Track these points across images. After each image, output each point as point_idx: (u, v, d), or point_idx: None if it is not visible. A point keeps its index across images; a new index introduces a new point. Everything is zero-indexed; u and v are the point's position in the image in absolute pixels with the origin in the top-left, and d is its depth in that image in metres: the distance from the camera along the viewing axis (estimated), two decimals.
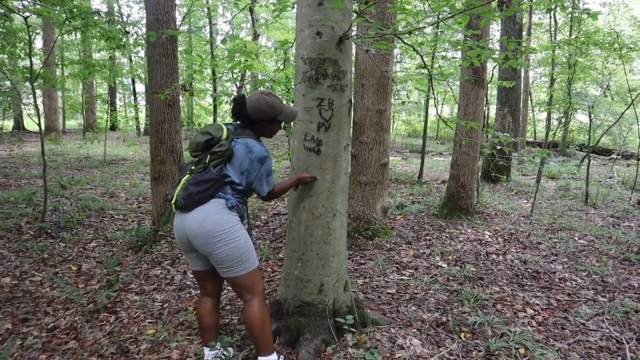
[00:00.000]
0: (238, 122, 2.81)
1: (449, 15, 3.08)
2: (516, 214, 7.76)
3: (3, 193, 8.34)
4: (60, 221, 6.53)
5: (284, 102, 2.94)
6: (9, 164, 12.29)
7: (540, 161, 10.00)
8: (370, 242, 5.65)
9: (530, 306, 4.11)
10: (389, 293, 4.22)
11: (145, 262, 5.01)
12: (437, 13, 3.53)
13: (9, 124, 25.86)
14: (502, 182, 11.21)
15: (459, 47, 4.33)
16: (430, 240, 6.00)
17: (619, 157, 17.75)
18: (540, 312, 4.01)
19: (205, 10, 20.73)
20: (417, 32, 4.37)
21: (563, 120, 18.46)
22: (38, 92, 26.13)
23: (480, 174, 10.50)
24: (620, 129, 18.85)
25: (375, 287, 4.37)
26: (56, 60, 18.22)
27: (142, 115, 25.65)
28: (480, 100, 6.97)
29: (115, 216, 7.21)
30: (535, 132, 26.35)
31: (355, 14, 3.53)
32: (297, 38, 3.02)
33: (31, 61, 5.73)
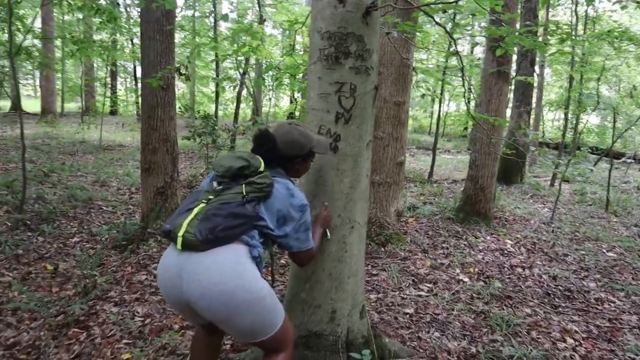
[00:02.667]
0: (266, 161, 2.19)
1: None
2: (536, 220, 7.19)
3: None
4: (42, 212, 5.96)
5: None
6: (1, 146, 11.72)
7: (556, 165, 9.45)
8: (383, 249, 5.09)
9: (569, 334, 3.55)
10: (407, 313, 3.66)
11: (130, 264, 4.44)
12: None
13: (6, 105, 25.22)
14: (516, 184, 10.65)
15: (484, 32, 3.75)
16: (447, 248, 5.43)
17: (632, 160, 17.17)
18: (582, 342, 3.45)
19: None
20: (442, 14, 3.80)
21: (574, 121, 17.85)
22: (36, 73, 25.54)
23: None
24: (632, 132, 18.24)
25: (390, 304, 3.81)
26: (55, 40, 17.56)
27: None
28: (504, 96, 6.39)
29: (104, 207, 6.65)
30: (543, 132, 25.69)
31: None
32: (314, 8, 2.44)
33: (10, 33, 5.13)
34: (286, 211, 2.06)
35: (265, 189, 2.00)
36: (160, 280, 1.98)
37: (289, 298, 2.66)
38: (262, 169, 2.07)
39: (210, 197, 2.01)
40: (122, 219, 6.05)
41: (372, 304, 3.79)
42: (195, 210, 1.96)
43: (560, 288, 4.51)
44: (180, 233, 1.89)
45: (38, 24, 19.45)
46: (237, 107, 10.96)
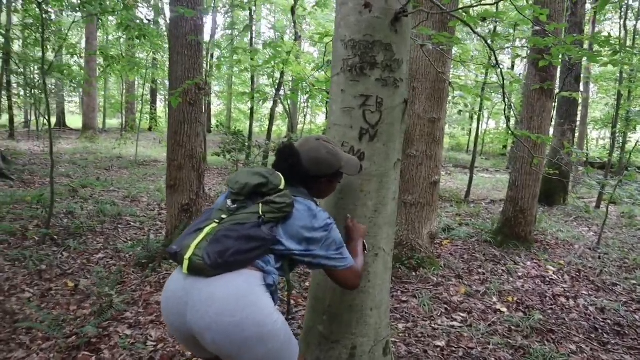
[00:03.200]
0: (288, 179, 1.98)
1: None
2: (580, 244, 6.74)
3: (22, 192, 7.89)
4: (70, 227, 5.94)
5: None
6: (40, 161, 12.00)
7: (602, 185, 8.95)
8: (414, 273, 4.80)
9: None
10: (438, 346, 3.37)
11: (150, 284, 4.31)
12: None
13: (52, 120, 26.04)
14: (559, 205, 10.14)
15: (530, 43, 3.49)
16: (484, 274, 5.09)
17: None
18: None
19: (246, 12, 20.31)
20: (481, 23, 3.55)
21: (620, 140, 17.06)
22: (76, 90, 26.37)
23: None
24: None
25: (420, 335, 3.53)
26: (97, 59, 18.07)
27: None
28: (547, 112, 6.04)
29: (132, 223, 6.60)
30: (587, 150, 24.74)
31: None
32: (338, 14, 2.25)
33: (43, 51, 5.16)
34: (308, 234, 1.84)
35: (285, 209, 1.80)
36: (163, 306, 1.80)
37: (305, 330, 2.44)
38: (282, 187, 1.87)
39: (224, 216, 1.82)
40: (149, 235, 5.97)
41: (400, 335, 3.52)
42: (206, 231, 1.77)
43: (609, 322, 4.12)
44: (187, 255, 1.70)
45: (83, 43, 20.10)
46: (271, 123, 10.87)
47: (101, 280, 4.36)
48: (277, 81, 10.38)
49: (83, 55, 16.31)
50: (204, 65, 4.95)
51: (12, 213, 6.41)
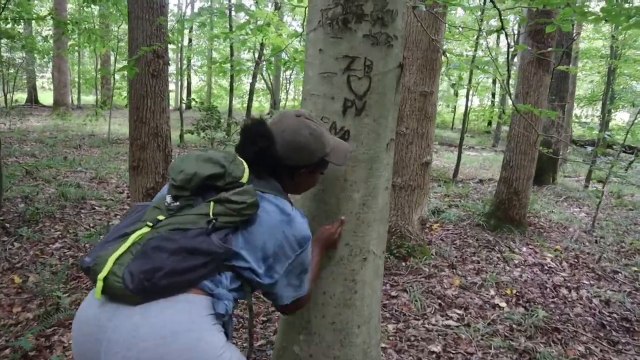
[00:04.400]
0: (255, 168, 1.49)
1: None
2: (575, 227, 6.40)
3: None
4: (26, 212, 5.39)
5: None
6: (5, 138, 11.29)
7: (592, 162, 8.65)
8: (404, 263, 4.37)
9: None
10: (433, 352, 2.95)
11: None
12: None
13: (23, 97, 24.97)
14: (548, 184, 9.82)
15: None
16: (478, 262, 4.70)
17: None
18: None
19: None
20: None
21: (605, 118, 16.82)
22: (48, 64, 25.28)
23: None
24: None
25: (412, 338, 3.11)
26: (69, 29, 17.09)
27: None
28: (544, 87, 5.60)
29: (97, 207, 6.06)
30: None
31: None
32: None
33: None
34: (276, 246, 1.37)
35: (245, 211, 1.31)
36: (73, 341, 1.30)
37: (277, 351, 1.98)
38: (245, 179, 1.39)
39: (160, 217, 1.33)
40: (114, 221, 5.46)
41: (390, 338, 3.10)
42: (132, 238, 1.27)
43: (616, 316, 3.76)
44: (102, 274, 1.21)
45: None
46: (250, 98, 10.33)
47: (54, 275, 3.86)
48: (257, 53, 9.80)
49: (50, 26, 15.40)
50: (168, 32, 4.37)
51: None
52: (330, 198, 1.76)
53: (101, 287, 1.21)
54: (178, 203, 1.34)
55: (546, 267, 4.73)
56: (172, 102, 23.84)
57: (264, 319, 3.25)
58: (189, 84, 26.11)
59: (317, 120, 1.56)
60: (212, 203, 1.31)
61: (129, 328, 1.18)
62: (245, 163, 1.42)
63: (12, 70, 21.28)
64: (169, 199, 1.35)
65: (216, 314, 1.27)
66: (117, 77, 18.21)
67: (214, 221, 1.28)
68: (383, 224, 1.89)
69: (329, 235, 1.73)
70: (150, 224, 1.31)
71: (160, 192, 1.50)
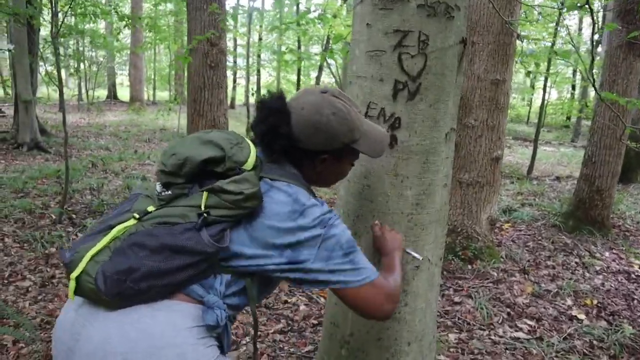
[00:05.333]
0: (268, 151, 1.28)
1: None
2: None
3: (56, 166, 7.60)
4: (92, 204, 5.53)
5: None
6: (83, 133, 11.87)
7: None
8: (470, 266, 4.04)
9: None
10: None
11: None
12: None
13: (104, 93, 26.36)
14: (635, 183, 8.97)
15: None
16: (553, 267, 4.27)
17: None
18: None
19: None
20: None
21: None
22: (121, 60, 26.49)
23: None
24: None
25: (476, 351, 2.81)
26: (144, 26, 17.61)
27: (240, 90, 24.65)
28: (634, 75, 5.02)
29: None
30: None
31: None
32: None
33: (53, 13, 4.64)
34: (288, 237, 1.13)
35: (243, 203, 1.10)
36: (53, 346, 1.17)
37: None
38: (250, 164, 1.17)
39: (150, 208, 1.15)
40: None
41: (451, 350, 2.82)
42: (114, 232, 1.11)
43: None
44: (75, 273, 1.06)
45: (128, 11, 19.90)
46: None
47: None
48: (324, 46, 9.63)
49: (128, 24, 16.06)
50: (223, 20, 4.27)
51: (37, 188, 6.08)
52: (377, 195, 1.53)
53: (73, 287, 1.06)
54: (170, 192, 1.16)
55: (633, 276, 4.22)
56: (241, 97, 24.28)
57: (315, 321, 3.06)
58: (258, 79, 26.48)
59: (349, 100, 1.30)
60: (205, 193, 1.12)
61: (101, 340, 1.03)
62: (252, 146, 1.21)
63: (94, 68, 22.56)
64: (158, 187, 1.17)
65: (206, 327, 1.09)
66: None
67: (205, 214, 1.09)
68: (440, 227, 1.64)
69: (394, 240, 1.44)
70: (137, 216, 1.13)
71: None
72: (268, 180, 1.20)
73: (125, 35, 20.80)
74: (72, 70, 17.93)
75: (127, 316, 1.04)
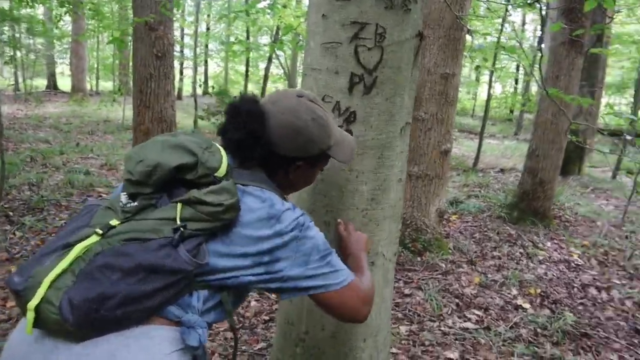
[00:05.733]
0: (244, 159, 1.23)
1: None
2: (603, 221, 6.04)
3: None
4: (31, 200, 5.24)
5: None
6: (20, 125, 11.24)
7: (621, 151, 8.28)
8: (419, 258, 4.11)
9: None
10: None
11: None
12: None
13: (43, 83, 25.08)
14: (574, 175, 9.42)
15: None
16: (499, 258, 4.41)
17: None
18: None
19: None
20: None
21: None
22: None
23: None
24: None
25: (427, 343, 2.86)
26: (87, 12, 16.71)
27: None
28: (576, 71, 5.23)
29: (104, 195, 5.89)
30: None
31: None
32: None
33: None
34: (265, 244, 1.07)
35: (222, 215, 1.03)
36: None
37: None
38: (222, 171, 1.10)
39: (113, 222, 1.04)
40: None
41: (403, 342, 2.85)
42: (75, 251, 0.98)
43: None
44: (33, 302, 0.93)
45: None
46: (265, 82, 10.07)
47: None
48: (273, 38, 9.54)
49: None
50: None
51: None
52: (331, 190, 1.50)
53: (32, 319, 0.93)
54: (136, 203, 1.05)
55: (573, 265, 4.42)
56: (188, 88, 23.70)
57: (266, 317, 3.02)
58: (205, 69, 25.95)
59: (323, 105, 1.27)
60: (179, 204, 1.03)
61: None
62: (223, 151, 1.15)
63: (32, 57, 21.39)
64: (124, 198, 1.06)
65: (186, 349, 1.01)
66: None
67: (182, 228, 1.00)
68: (395, 222, 1.63)
69: (360, 240, 1.41)
70: (100, 231, 1.02)
71: (117, 188, 1.18)
72: (240, 185, 1.13)
73: (67, 22, 19.87)
74: (6, 59, 16.94)
75: (96, 348, 0.94)
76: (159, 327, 1.00)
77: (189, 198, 1.03)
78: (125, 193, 1.06)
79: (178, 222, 1.01)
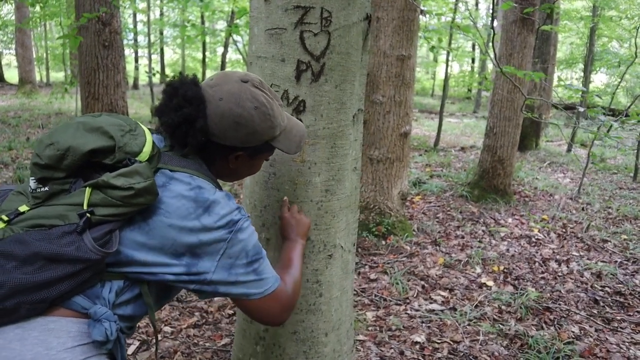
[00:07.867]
0: (177, 145, 1.14)
1: None
2: (561, 195, 6.20)
3: None
4: None
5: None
6: None
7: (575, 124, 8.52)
8: (384, 242, 4.10)
9: None
10: (417, 343, 2.70)
11: None
12: None
13: None
14: (531, 150, 9.64)
15: None
16: (463, 237, 4.46)
17: None
18: None
19: None
20: None
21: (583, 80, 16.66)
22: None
23: None
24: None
25: (394, 327, 2.85)
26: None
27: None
28: (528, 49, 5.30)
29: None
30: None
31: None
32: None
33: None
34: (192, 240, 1.01)
35: (133, 199, 0.96)
36: None
37: None
38: (144, 155, 1.03)
39: (22, 208, 0.99)
40: None
41: (370, 328, 2.84)
42: None
43: (609, 290, 3.56)
44: None
45: None
46: (222, 69, 9.84)
47: None
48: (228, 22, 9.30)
49: None
50: None
51: None
52: (284, 184, 1.44)
53: None
54: (47, 188, 0.99)
55: (534, 240, 4.51)
56: (144, 77, 23.03)
57: (231, 312, 2.96)
58: (161, 57, 25.26)
59: (270, 91, 1.18)
60: (87, 189, 0.96)
61: None
62: (148, 132, 1.07)
63: None
64: (32, 183, 0.99)
65: (94, 344, 0.95)
66: None
67: (89, 214, 0.94)
68: (352, 212, 1.58)
69: (300, 225, 1.37)
70: (6, 218, 0.96)
71: None
72: (167, 171, 1.06)
73: (9, 11, 18.94)
74: None
75: (5, 340, 0.88)
76: (61, 319, 0.94)
77: (96, 182, 0.96)
78: (33, 178, 0.99)
79: (85, 207, 0.94)
